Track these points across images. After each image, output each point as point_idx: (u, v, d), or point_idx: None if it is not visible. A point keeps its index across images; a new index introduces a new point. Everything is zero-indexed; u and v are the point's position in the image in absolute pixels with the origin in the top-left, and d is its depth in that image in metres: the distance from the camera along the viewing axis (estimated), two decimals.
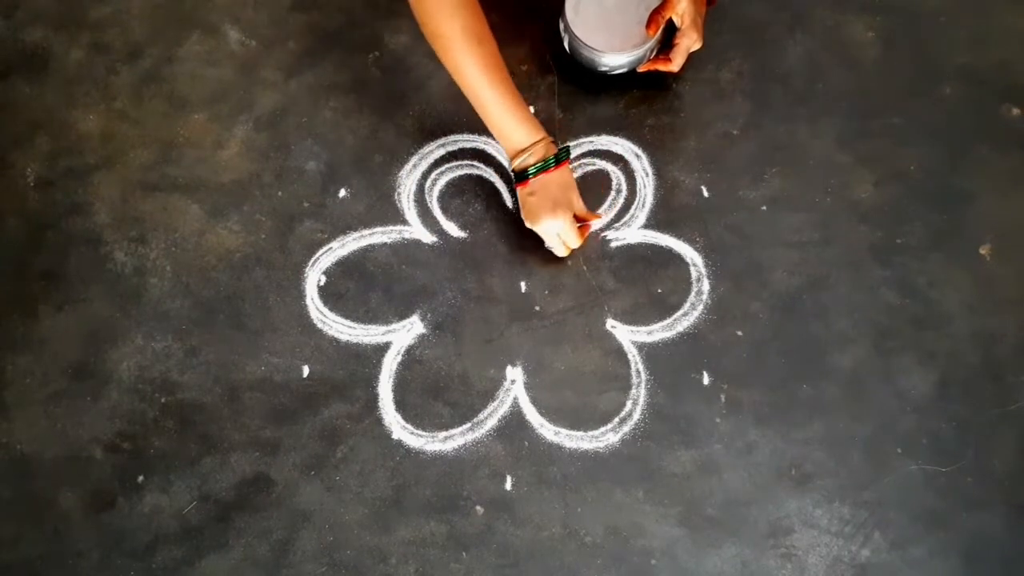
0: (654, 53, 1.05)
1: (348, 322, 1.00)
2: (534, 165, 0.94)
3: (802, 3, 1.15)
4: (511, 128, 0.94)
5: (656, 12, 0.99)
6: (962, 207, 1.04)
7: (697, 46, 1.02)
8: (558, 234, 0.97)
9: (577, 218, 0.97)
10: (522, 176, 0.96)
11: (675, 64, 1.03)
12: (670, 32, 1.03)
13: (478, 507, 0.92)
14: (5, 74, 1.14)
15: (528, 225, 0.98)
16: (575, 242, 0.98)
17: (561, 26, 1.06)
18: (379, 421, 0.96)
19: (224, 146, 1.10)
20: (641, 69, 1.06)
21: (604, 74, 1.07)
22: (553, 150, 0.95)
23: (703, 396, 0.96)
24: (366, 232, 1.05)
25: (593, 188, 1.06)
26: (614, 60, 1.04)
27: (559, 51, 1.10)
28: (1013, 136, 1.08)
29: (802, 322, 0.99)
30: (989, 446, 0.94)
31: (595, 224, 1.03)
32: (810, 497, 0.92)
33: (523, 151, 0.94)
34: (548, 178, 0.95)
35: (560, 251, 1.00)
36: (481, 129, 1.09)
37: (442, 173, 1.07)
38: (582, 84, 1.10)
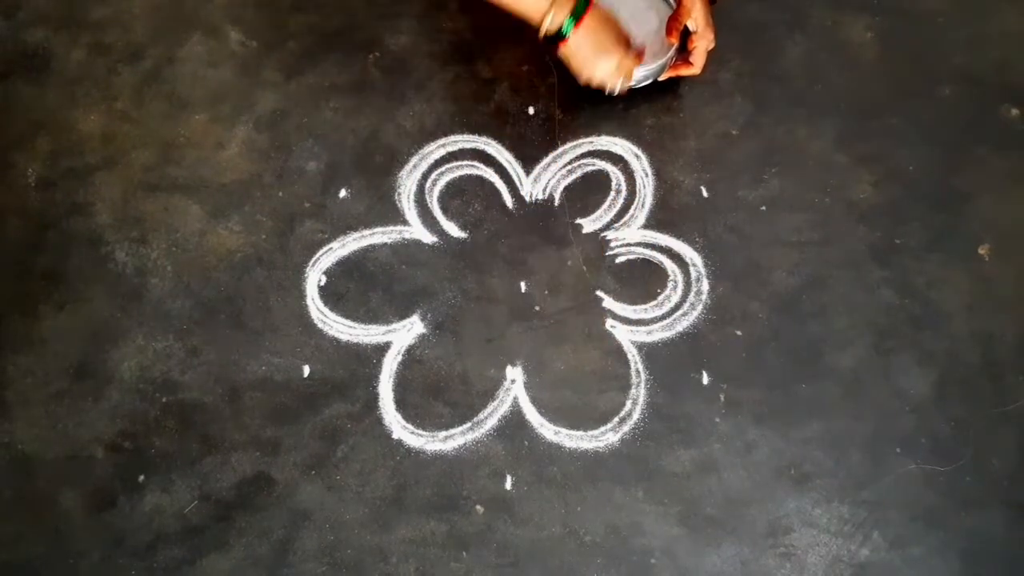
0: (673, 60, 1.06)
1: (348, 322, 1.01)
2: (565, 20, 0.92)
3: (801, 3, 1.15)
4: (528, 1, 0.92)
5: (673, 19, 1.00)
6: (961, 207, 1.05)
7: (712, 46, 1.03)
8: (618, 68, 0.97)
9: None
10: (557, 37, 0.94)
11: (697, 67, 1.04)
12: (682, 37, 1.03)
13: (478, 506, 0.93)
14: (6, 74, 1.14)
15: (585, 78, 0.98)
16: (634, 67, 0.98)
17: None
18: (379, 421, 0.96)
19: (225, 146, 1.10)
20: (663, 77, 1.06)
21: (628, 90, 1.07)
22: (574, 0, 0.93)
23: (702, 396, 0.96)
24: (366, 232, 1.05)
25: (593, 188, 1.06)
26: (638, 74, 1.04)
27: None
28: (1012, 136, 1.08)
29: (801, 322, 0.99)
30: (988, 446, 0.94)
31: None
32: (809, 496, 0.92)
33: (548, 10, 0.92)
34: (585, 26, 0.93)
35: (624, 81, 0.99)
36: (481, 129, 1.10)
37: (442, 173, 1.08)
38: (581, 85, 1.10)
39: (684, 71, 1.05)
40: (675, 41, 1.01)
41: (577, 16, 0.93)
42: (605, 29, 0.95)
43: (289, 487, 0.94)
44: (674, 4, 1.02)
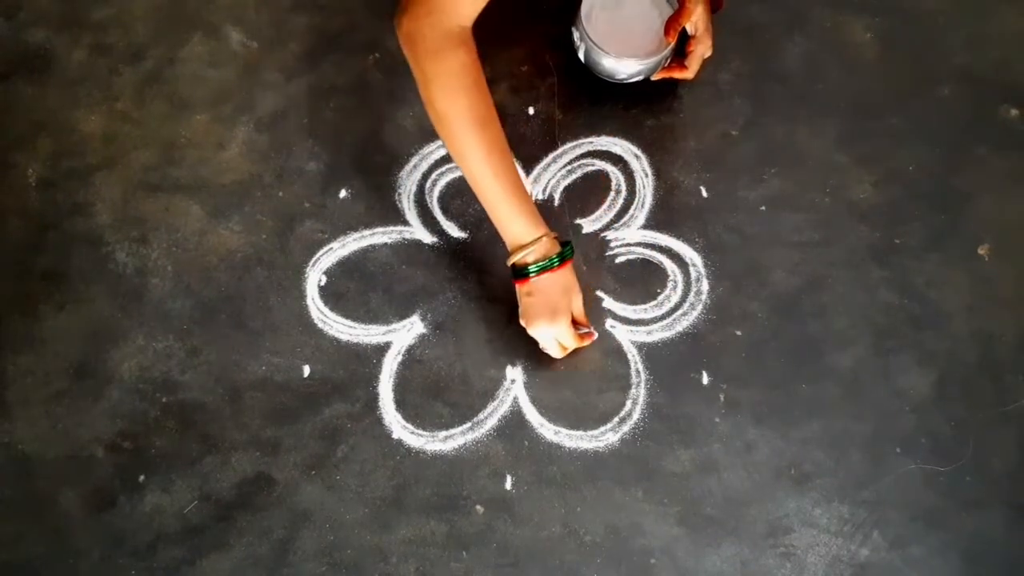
0: (668, 61, 1.06)
1: (348, 322, 1.01)
2: (535, 263, 0.88)
3: (801, 4, 1.15)
4: (511, 220, 0.88)
5: (672, 20, 1.00)
6: (961, 207, 1.05)
7: (708, 53, 1.04)
8: (555, 338, 0.92)
9: (575, 321, 0.93)
10: (521, 273, 0.89)
11: (691, 71, 1.05)
12: (681, 40, 1.04)
13: (478, 506, 0.93)
14: (7, 75, 1.15)
15: (523, 325, 0.93)
16: (572, 344, 0.93)
17: (575, 35, 1.06)
18: (379, 421, 0.96)
19: (225, 147, 1.10)
20: (656, 77, 1.06)
21: (619, 83, 1.08)
22: (556, 248, 0.89)
23: (702, 396, 0.96)
24: (366, 232, 1.05)
25: (593, 188, 1.06)
26: (631, 68, 1.04)
27: (559, 52, 1.11)
28: (1012, 136, 1.08)
29: (801, 322, 0.99)
30: (988, 445, 0.94)
31: (592, 338, 0.96)
32: (809, 496, 0.92)
33: (524, 247, 0.88)
34: (550, 278, 0.89)
35: (556, 352, 0.95)
36: None
37: (442, 174, 1.08)
38: (582, 85, 1.10)
39: (677, 74, 1.05)
40: (672, 41, 1.01)
41: (547, 267, 0.88)
42: (566, 294, 0.91)
43: (289, 487, 0.94)
44: (676, 5, 1.03)
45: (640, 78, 1.07)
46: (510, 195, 0.87)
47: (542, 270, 0.88)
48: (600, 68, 1.07)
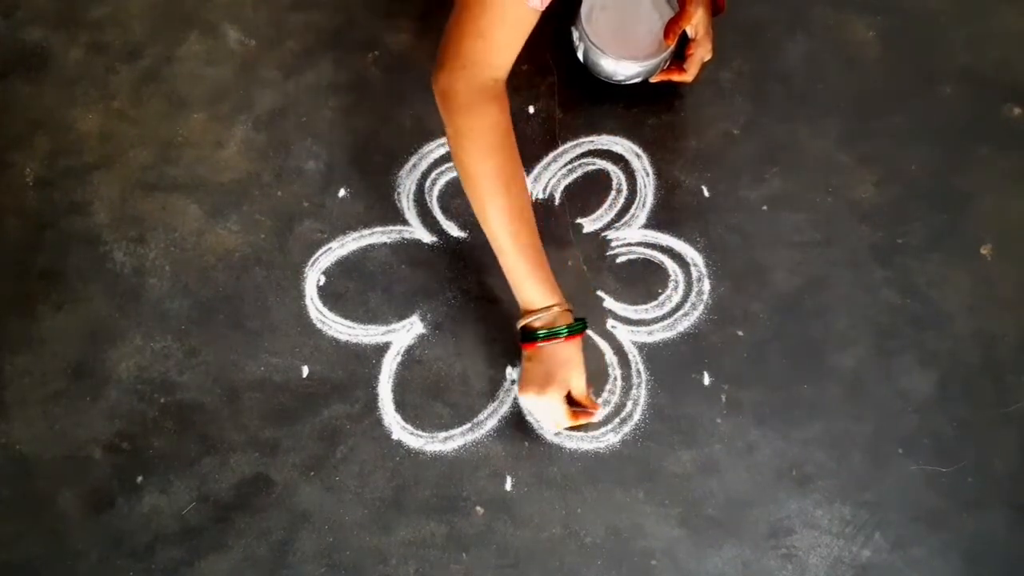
0: (667, 64, 1.05)
1: (348, 322, 1.00)
2: (543, 330, 0.87)
3: (802, 3, 1.15)
4: (528, 286, 0.87)
5: (673, 22, 1.00)
6: (963, 207, 1.04)
7: (708, 56, 1.03)
8: (546, 412, 0.89)
9: (572, 400, 0.89)
10: (528, 337, 0.88)
11: (689, 74, 1.04)
12: (681, 43, 1.03)
13: (478, 507, 0.92)
14: (4, 74, 1.14)
15: (521, 394, 0.90)
16: (565, 422, 0.89)
17: (575, 35, 1.06)
18: (379, 421, 0.96)
19: (223, 146, 1.09)
20: (655, 79, 1.06)
21: (617, 84, 1.07)
22: (567, 319, 0.88)
23: (703, 396, 0.96)
24: (366, 232, 1.05)
25: (593, 188, 1.05)
26: (630, 70, 1.04)
27: (559, 51, 1.10)
28: (1014, 136, 1.07)
29: (803, 322, 0.99)
30: (990, 446, 0.93)
31: (596, 415, 0.92)
32: (811, 497, 0.92)
33: (534, 312, 0.87)
34: (552, 349, 0.87)
35: (548, 426, 0.93)
36: None
37: (442, 173, 1.07)
38: (582, 84, 1.09)
39: (676, 77, 1.05)
40: (671, 44, 1.01)
41: (554, 335, 0.87)
42: (564, 367, 0.88)
43: (288, 488, 0.93)
44: (677, 7, 1.02)
45: (639, 80, 1.06)
46: (529, 260, 0.86)
47: (549, 337, 0.87)
48: (599, 69, 1.06)
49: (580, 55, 1.08)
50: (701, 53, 1.03)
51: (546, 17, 1.12)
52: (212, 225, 1.05)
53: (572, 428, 0.94)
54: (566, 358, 0.88)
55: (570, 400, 0.89)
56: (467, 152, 0.84)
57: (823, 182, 1.06)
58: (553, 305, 0.87)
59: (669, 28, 1.00)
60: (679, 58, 1.05)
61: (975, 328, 0.99)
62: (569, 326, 0.87)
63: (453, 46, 0.82)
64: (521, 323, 0.89)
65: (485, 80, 0.83)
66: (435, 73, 0.84)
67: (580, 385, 0.89)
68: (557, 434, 0.95)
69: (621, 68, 1.04)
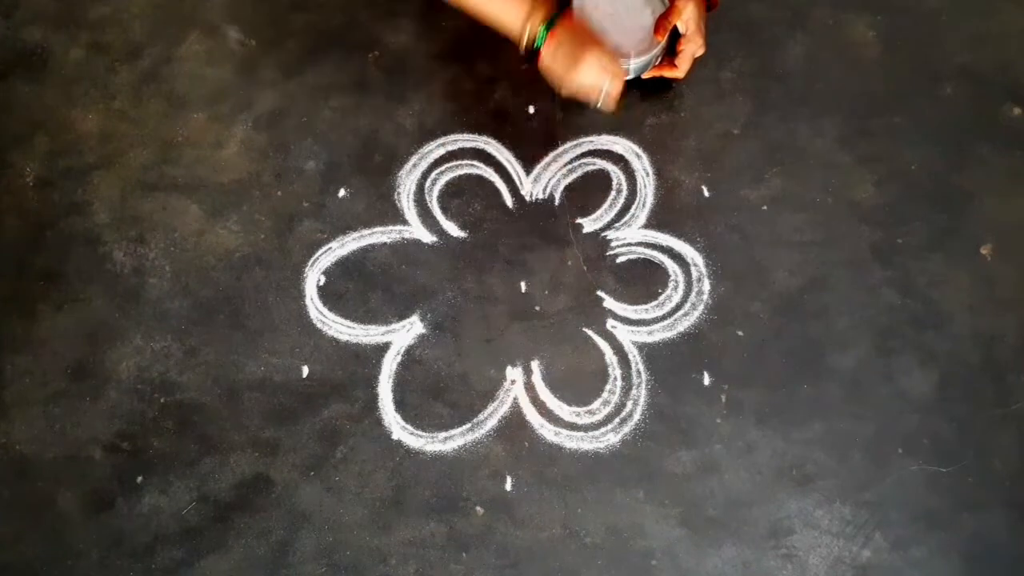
0: (659, 60, 1.05)
1: (348, 322, 1.00)
2: (539, 31, 0.91)
3: (802, 2, 1.15)
4: (503, 16, 0.91)
5: (663, 18, 1.00)
6: (963, 207, 1.04)
7: (701, 52, 1.03)
8: (601, 72, 0.93)
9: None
10: (535, 50, 0.92)
11: (680, 70, 1.04)
12: (673, 39, 1.03)
13: (478, 507, 0.92)
14: (4, 74, 1.14)
15: (568, 89, 0.94)
16: (621, 72, 0.94)
17: None
18: (379, 421, 0.96)
19: (223, 146, 1.09)
20: (646, 75, 1.06)
21: (620, 106, 1.07)
22: (551, 8, 0.91)
23: (704, 396, 0.96)
24: (366, 232, 1.05)
25: (593, 187, 1.05)
26: (621, 65, 1.04)
27: None
28: (1014, 136, 1.07)
29: (803, 322, 0.99)
30: (990, 446, 0.93)
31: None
32: (811, 497, 0.92)
33: (525, 24, 0.91)
34: (559, 37, 0.91)
35: (614, 88, 0.94)
36: (481, 128, 1.09)
37: (442, 173, 1.07)
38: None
39: (668, 72, 1.05)
40: (661, 39, 1.01)
41: (550, 26, 0.91)
42: (578, 38, 0.92)
43: (288, 488, 0.93)
44: (668, 2, 1.02)
45: (630, 76, 1.06)
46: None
47: (549, 29, 0.90)
48: None
49: None
50: (692, 49, 1.02)
51: None
52: (212, 225, 1.05)
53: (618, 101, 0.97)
54: (575, 29, 0.92)
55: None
56: None
57: (823, 182, 1.05)
58: (532, 6, 0.90)
59: (660, 23, 1.00)
60: (671, 54, 1.05)
61: (975, 328, 0.98)
62: (554, 15, 0.91)
63: None
64: (523, 46, 0.93)
65: None
66: None
67: (596, 36, 0.94)
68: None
69: None
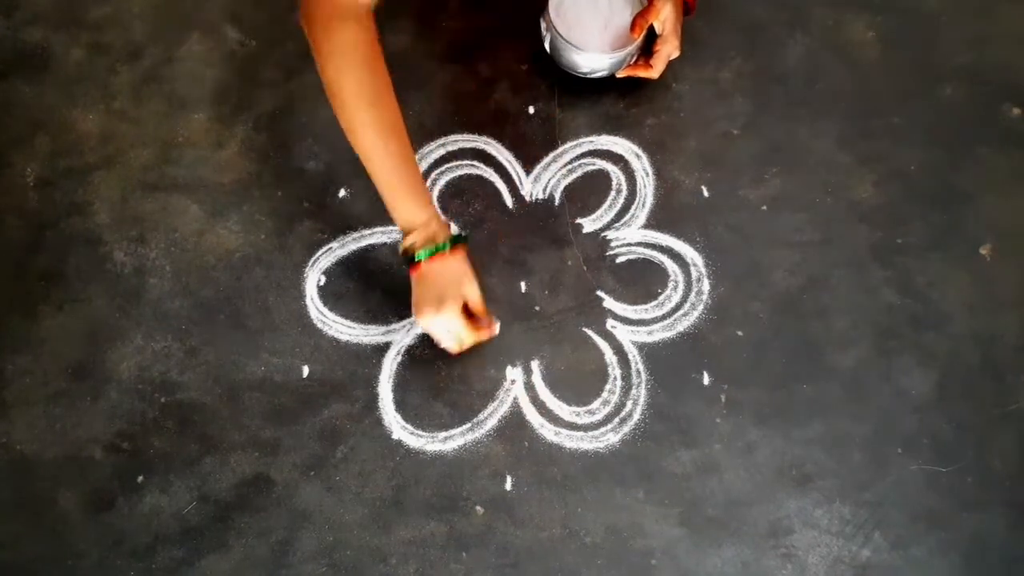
0: (634, 59, 1.05)
1: (348, 322, 1.00)
2: (423, 249, 0.86)
3: (802, 3, 1.15)
4: (402, 198, 0.86)
5: (640, 16, 1.00)
6: (962, 207, 1.04)
7: (676, 54, 1.03)
8: (447, 330, 0.89)
9: (468, 311, 0.89)
10: (413, 259, 0.87)
11: (655, 71, 1.04)
12: (649, 39, 1.03)
13: (478, 507, 0.92)
14: (5, 74, 1.14)
15: (416, 319, 0.89)
16: (468, 338, 0.90)
17: (543, 26, 1.06)
18: (379, 421, 0.96)
19: (224, 146, 1.09)
20: (620, 74, 1.06)
21: (582, 77, 1.07)
22: (446, 232, 0.87)
23: (703, 396, 0.96)
24: (366, 232, 1.05)
25: (593, 188, 1.06)
26: (596, 62, 1.04)
27: None
28: (1013, 136, 1.08)
29: (802, 322, 0.99)
30: (989, 446, 0.93)
31: (495, 328, 0.92)
32: (810, 497, 0.92)
33: (414, 230, 0.86)
34: (440, 265, 0.86)
35: (451, 346, 0.91)
36: (481, 128, 1.10)
37: (442, 173, 1.07)
38: (582, 84, 1.10)
39: (642, 72, 1.05)
40: (637, 37, 1.01)
41: (437, 251, 0.86)
42: (456, 283, 0.87)
43: (288, 488, 0.93)
44: (646, 2, 1.02)
45: (604, 73, 1.06)
46: (401, 172, 0.86)
47: (432, 255, 0.86)
48: (563, 59, 1.06)
49: (547, 45, 1.08)
50: (668, 50, 1.02)
51: (537, 15, 1.13)
52: (212, 225, 1.05)
53: (471, 347, 0.92)
54: (455, 272, 0.88)
55: (468, 315, 0.90)
56: (327, 68, 0.83)
57: (823, 182, 1.06)
58: (430, 220, 0.87)
59: (637, 21, 1.00)
60: (647, 54, 1.05)
61: (975, 328, 0.99)
62: (451, 239, 0.87)
63: None
64: (403, 246, 0.88)
65: (346, 2, 0.83)
66: None
67: (475, 295, 0.89)
68: (461, 352, 0.93)
69: (584, 60, 1.04)
